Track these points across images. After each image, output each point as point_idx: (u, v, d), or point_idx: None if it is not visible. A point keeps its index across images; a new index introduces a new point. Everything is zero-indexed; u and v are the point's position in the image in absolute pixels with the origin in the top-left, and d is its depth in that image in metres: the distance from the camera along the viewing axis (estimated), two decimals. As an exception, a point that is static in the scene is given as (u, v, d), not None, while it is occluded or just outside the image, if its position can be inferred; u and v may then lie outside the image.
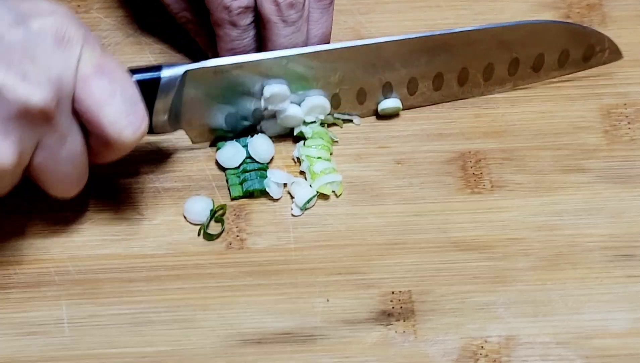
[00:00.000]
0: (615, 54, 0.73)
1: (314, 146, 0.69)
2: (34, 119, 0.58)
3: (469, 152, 0.70)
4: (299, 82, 0.69)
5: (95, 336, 0.64)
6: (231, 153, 0.69)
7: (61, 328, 0.64)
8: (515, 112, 0.72)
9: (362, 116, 0.72)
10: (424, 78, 0.71)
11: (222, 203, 0.68)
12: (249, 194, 0.69)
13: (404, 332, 0.64)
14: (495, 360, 0.63)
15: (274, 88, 0.68)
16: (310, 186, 0.69)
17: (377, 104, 0.72)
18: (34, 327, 0.64)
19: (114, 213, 0.68)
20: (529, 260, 0.66)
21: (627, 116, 0.72)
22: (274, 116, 0.70)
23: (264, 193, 0.69)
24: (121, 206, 0.68)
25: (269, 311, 0.64)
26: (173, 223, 0.68)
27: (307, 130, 0.70)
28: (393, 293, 0.65)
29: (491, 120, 0.72)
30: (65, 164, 0.61)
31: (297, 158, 0.70)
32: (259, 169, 0.69)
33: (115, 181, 0.69)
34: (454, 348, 0.63)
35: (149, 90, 0.65)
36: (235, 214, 0.68)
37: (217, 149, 0.70)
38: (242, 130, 0.70)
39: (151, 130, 0.66)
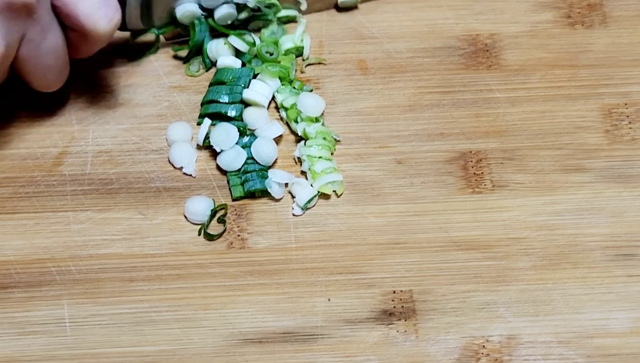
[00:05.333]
0: None
1: (315, 146, 0.69)
2: (17, 13, 0.63)
3: (470, 152, 0.70)
4: None
5: (97, 335, 0.64)
6: (232, 157, 0.69)
7: (62, 327, 0.64)
8: (516, 112, 0.72)
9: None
10: None
11: (223, 202, 0.68)
12: (250, 195, 0.69)
13: (405, 331, 0.64)
14: (496, 360, 0.63)
15: None
16: (311, 185, 0.69)
17: None
18: (35, 326, 0.64)
19: (114, 212, 0.68)
20: (530, 260, 0.66)
21: (627, 116, 0.72)
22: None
23: (265, 193, 0.69)
24: (122, 206, 0.68)
25: (270, 311, 0.64)
26: (174, 222, 0.68)
27: (310, 130, 0.70)
28: (394, 292, 0.65)
29: (492, 120, 0.72)
30: (47, 56, 0.66)
31: (298, 158, 0.70)
32: (260, 169, 0.69)
33: (116, 180, 0.69)
34: (456, 348, 0.63)
35: None
36: (236, 214, 0.68)
37: (218, 154, 0.70)
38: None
39: (125, 26, 0.70)
